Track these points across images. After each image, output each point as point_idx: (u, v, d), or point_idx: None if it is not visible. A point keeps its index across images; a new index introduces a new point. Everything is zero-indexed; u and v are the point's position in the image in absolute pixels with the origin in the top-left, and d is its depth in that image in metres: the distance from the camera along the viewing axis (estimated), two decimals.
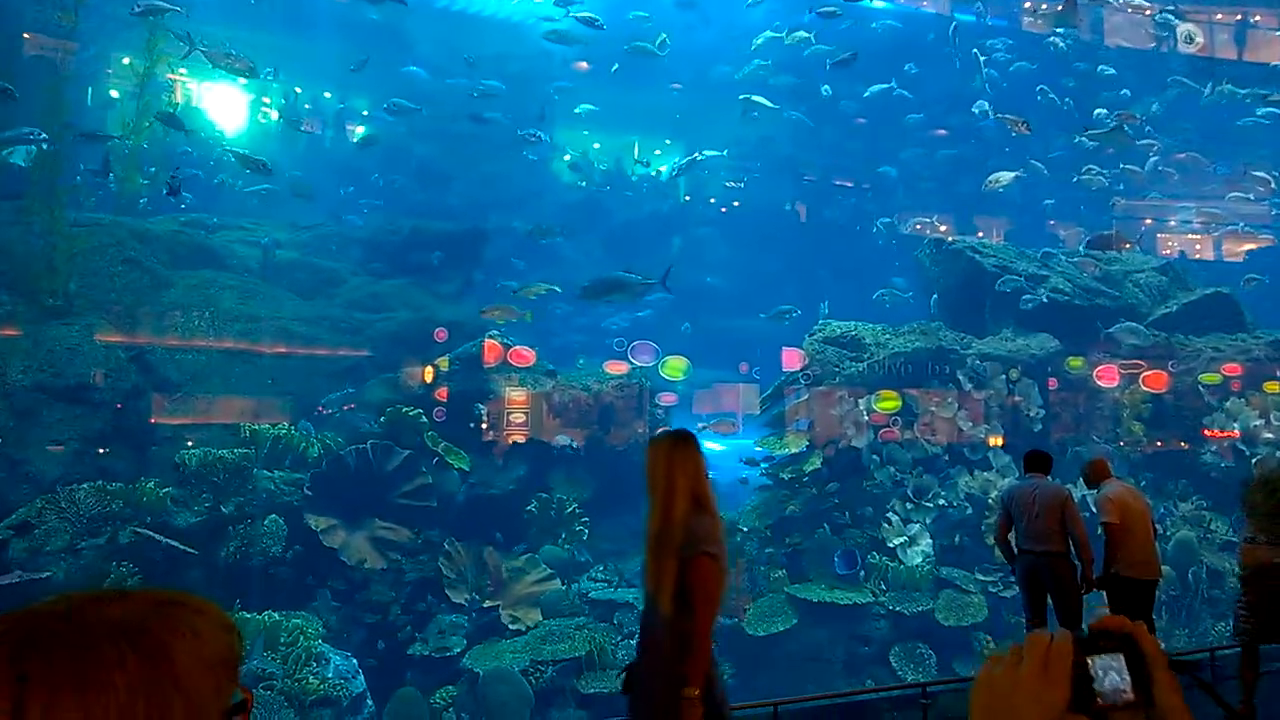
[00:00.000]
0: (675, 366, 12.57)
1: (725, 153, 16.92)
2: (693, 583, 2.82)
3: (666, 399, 12.79)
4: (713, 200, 21.16)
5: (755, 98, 15.91)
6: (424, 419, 11.62)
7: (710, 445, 15.38)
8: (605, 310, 15.97)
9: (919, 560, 11.38)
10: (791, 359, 12.80)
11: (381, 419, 11.51)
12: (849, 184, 21.23)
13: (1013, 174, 14.10)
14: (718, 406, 14.11)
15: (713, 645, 2.88)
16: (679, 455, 3.03)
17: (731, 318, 17.51)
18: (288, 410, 11.83)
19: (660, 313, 16.57)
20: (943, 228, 18.87)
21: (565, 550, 11.54)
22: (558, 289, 12.97)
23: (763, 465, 12.61)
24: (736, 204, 20.83)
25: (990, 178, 14.20)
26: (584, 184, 20.73)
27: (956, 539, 11.84)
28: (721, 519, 3.01)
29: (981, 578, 11.38)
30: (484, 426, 12.08)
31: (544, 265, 16.70)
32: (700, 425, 13.24)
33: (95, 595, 0.90)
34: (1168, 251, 19.14)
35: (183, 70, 14.10)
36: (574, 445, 12.31)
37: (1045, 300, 13.37)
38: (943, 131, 19.80)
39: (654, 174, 18.50)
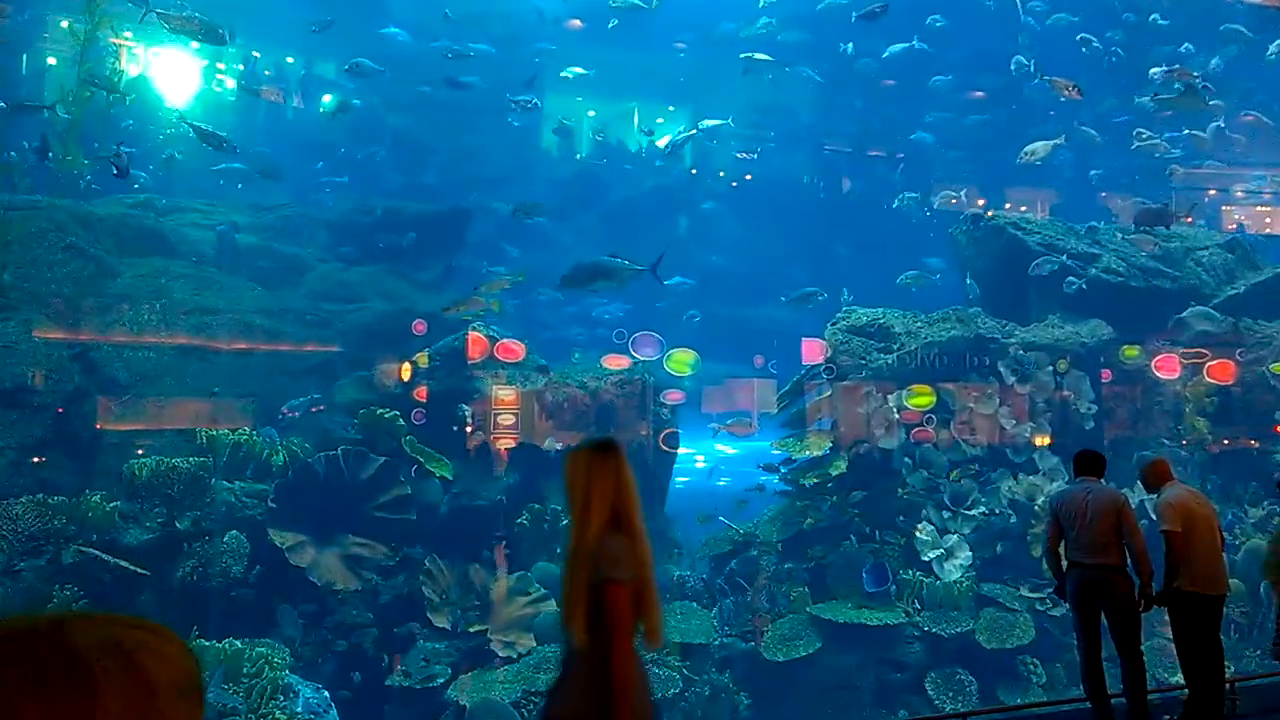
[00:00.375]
0: (682, 360, 12.49)
1: (729, 120, 16.81)
2: (603, 612, 2.88)
3: (672, 397, 12.75)
4: (722, 174, 21.06)
5: (756, 55, 15.77)
6: (401, 421, 11.57)
7: (722, 449, 15.53)
8: (603, 298, 15.89)
9: (957, 575, 11.35)
10: (812, 351, 12.72)
11: (354, 422, 11.48)
12: (880, 153, 21.12)
13: (1050, 143, 13.95)
14: (730, 405, 14.09)
15: (640, 676, 2.93)
16: (596, 467, 3.07)
17: (744, 305, 17.49)
18: (249, 413, 11.81)
19: (665, 300, 16.56)
20: (980, 201, 18.74)
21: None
22: (521, 278, 12.82)
23: (781, 470, 12.56)
24: (749, 177, 20.69)
25: (1025, 149, 14.06)
26: (578, 155, 20.67)
27: (999, 550, 11.78)
28: (646, 542, 3.02)
29: (1028, 594, 11.34)
30: (469, 430, 12.06)
31: (533, 248, 16.73)
32: (715, 426, 13.19)
33: (53, 616, 0.98)
34: (1232, 226, 19.01)
35: (128, 34, 13.98)
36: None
37: (1087, 284, 13.17)
38: (979, 94, 19.58)
39: (653, 145, 18.32)
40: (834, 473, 11.95)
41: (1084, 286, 13.15)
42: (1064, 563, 5.76)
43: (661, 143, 19.48)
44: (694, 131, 16.69)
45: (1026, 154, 13.99)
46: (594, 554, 2.96)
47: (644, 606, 2.95)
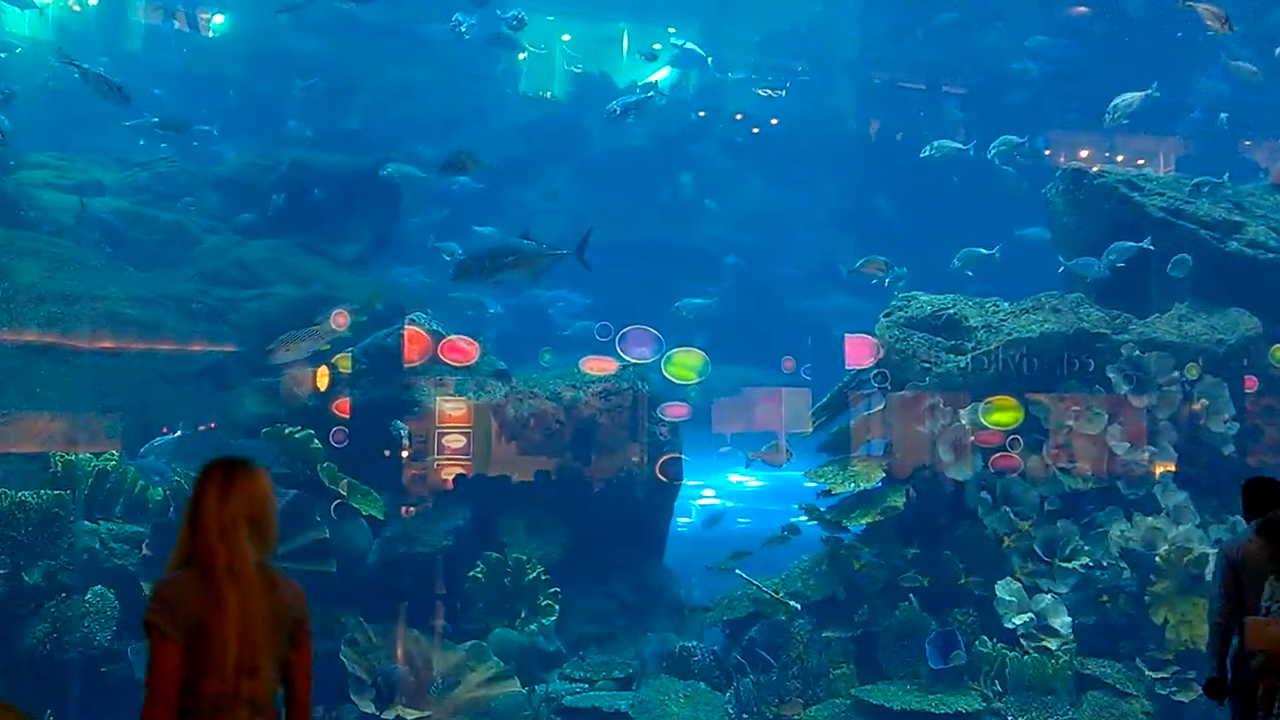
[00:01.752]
0: (685, 363, 12.64)
1: (710, 60, 17.01)
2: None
3: (673, 411, 12.94)
4: (739, 116, 21.13)
5: None
6: (317, 443, 11.84)
7: (738, 480, 15.51)
8: (581, 284, 16.33)
9: (1052, 647, 11.54)
10: (859, 350, 12.88)
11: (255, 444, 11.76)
12: (955, 89, 21.20)
13: (1140, 95, 14.26)
14: (749, 422, 14.31)
15: None
16: (193, 490, 3.53)
17: (768, 290, 17.82)
18: (118, 433, 12.02)
19: (662, 284, 16.82)
20: (1082, 153, 18.84)
21: (526, 635, 11.79)
22: (377, 304, 13.07)
23: (820, 509, 12.77)
24: (775, 121, 20.84)
25: (1112, 105, 14.32)
26: (549, 94, 20.89)
27: (1107, 614, 12.04)
28: (243, 588, 3.36)
29: (1149, 673, 11.51)
30: (405, 454, 12.34)
31: (489, 215, 16.95)
32: (750, 455, 13.37)
33: None
34: None
35: None
36: (538, 480, 12.61)
37: (1223, 262, 13.31)
38: (1081, 9, 19.79)
39: (647, 80, 18.33)
40: (887, 512, 12.13)
41: (1189, 262, 13.26)
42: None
43: (658, 75, 19.62)
44: (650, 95, 17.03)
45: (1113, 112, 14.25)
46: (154, 588, 3.37)
47: (203, 665, 3.27)
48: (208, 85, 18.74)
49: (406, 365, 12.52)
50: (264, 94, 18.66)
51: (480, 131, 18.95)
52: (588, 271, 11.52)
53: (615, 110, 15.94)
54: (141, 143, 16.22)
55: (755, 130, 21.33)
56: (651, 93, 17.55)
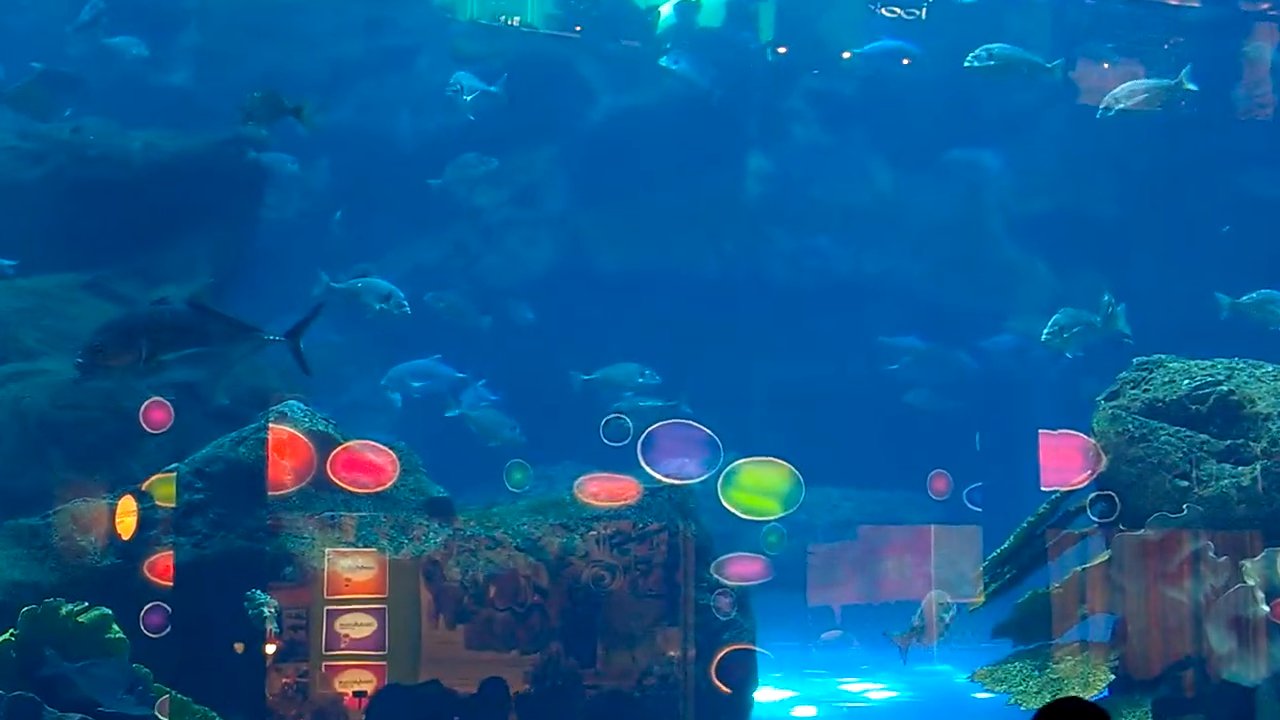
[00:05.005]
0: (759, 484, 12.39)
1: None
2: None
3: (739, 570, 12.71)
4: (846, 54, 21.38)
5: None
6: (117, 631, 11.57)
7: (856, 688, 14.23)
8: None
9: None
10: (1064, 459, 12.61)
11: (9, 635, 11.32)
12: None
13: None
14: (872, 587, 14.10)
15: None
16: None
17: (900, 359, 18.17)
18: None
19: (716, 344, 17.19)
20: None
21: None
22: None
23: None
24: (906, 62, 20.79)
25: None
26: (515, 21, 21.34)
27: None
28: None
29: None
30: (271, 650, 12.05)
31: (423, 232, 16.94)
32: (898, 642, 13.54)
33: None
34: None
35: None
36: (502, 692, 12.17)
37: None
38: None
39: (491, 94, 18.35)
40: None
41: None
42: None
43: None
44: (493, 89, 17.85)
45: None
46: None
47: None
48: None
49: (272, 493, 12.35)
50: (19, 30, 18.97)
51: (403, 86, 19.42)
52: (307, 375, 11.85)
53: (457, 90, 16.86)
54: None
55: (873, 81, 21.51)
56: (494, 87, 18.25)
